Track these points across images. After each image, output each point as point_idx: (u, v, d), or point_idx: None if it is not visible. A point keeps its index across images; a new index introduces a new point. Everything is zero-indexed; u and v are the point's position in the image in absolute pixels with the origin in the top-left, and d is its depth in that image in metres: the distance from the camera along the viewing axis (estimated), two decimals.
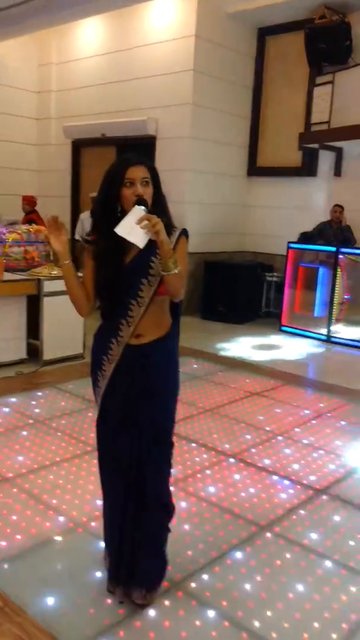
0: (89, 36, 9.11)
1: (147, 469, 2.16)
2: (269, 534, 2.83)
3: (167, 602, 2.29)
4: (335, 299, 7.17)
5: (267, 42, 8.58)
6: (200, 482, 3.33)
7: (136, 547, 2.19)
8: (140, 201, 1.95)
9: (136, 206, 1.92)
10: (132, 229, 1.88)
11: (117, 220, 1.93)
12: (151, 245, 1.93)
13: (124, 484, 2.17)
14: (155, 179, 2.06)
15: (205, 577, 2.47)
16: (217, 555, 2.62)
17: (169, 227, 2.06)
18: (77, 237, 7.60)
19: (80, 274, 2.16)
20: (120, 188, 2.00)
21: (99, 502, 2.30)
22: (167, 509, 2.29)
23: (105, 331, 2.16)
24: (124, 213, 1.97)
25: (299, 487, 3.35)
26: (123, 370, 2.13)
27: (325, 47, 7.58)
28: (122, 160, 2.04)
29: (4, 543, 2.66)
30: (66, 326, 5.62)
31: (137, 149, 7.71)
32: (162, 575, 2.29)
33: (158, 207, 2.05)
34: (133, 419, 2.14)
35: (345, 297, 7.31)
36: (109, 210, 2.03)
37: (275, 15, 8.02)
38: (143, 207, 1.92)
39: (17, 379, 5.09)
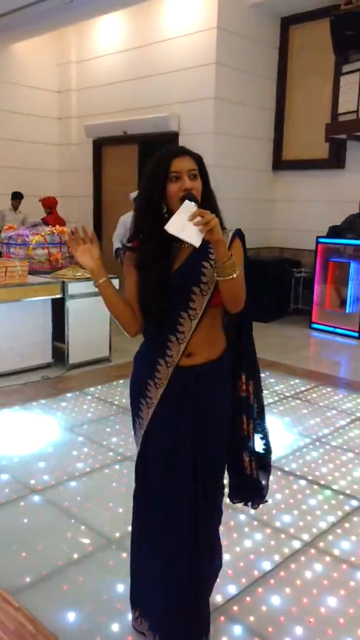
0: (108, 33, 8.99)
1: (200, 519, 1.87)
2: (313, 550, 2.66)
3: None
4: None
5: (290, 31, 8.34)
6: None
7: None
8: (188, 197, 1.68)
9: (187, 201, 1.65)
10: (185, 226, 1.60)
11: (163, 220, 1.68)
12: (201, 248, 1.67)
13: (178, 534, 1.87)
14: (203, 172, 1.79)
15: (248, 600, 2.32)
16: (260, 575, 2.47)
17: (221, 227, 1.79)
18: (116, 244, 6.58)
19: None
20: (165, 183, 1.73)
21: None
22: (215, 569, 2.06)
23: (150, 351, 1.86)
24: (169, 212, 1.72)
25: (341, 497, 3.17)
26: (172, 397, 1.83)
27: (352, 34, 7.30)
28: (166, 151, 1.77)
29: (34, 561, 2.54)
30: (92, 329, 5.51)
31: (160, 145, 7.58)
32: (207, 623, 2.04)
33: (207, 204, 1.76)
34: (185, 457, 1.83)
35: None
36: (153, 209, 1.74)
37: (298, 4, 7.79)
38: (193, 203, 1.65)
39: (43, 384, 4.99)
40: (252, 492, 2.02)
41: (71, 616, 2.21)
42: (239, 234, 1.84)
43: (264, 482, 2.01)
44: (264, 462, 2.01)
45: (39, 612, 2.22)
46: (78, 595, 2.33)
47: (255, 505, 2.06)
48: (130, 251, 1.86)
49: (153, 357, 1.85)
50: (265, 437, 2.00)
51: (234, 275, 1.67)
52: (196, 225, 1.59)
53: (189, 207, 1.63)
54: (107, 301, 1.86)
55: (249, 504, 2.06)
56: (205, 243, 1.64)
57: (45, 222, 7.53)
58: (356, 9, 7.20)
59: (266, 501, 2.07)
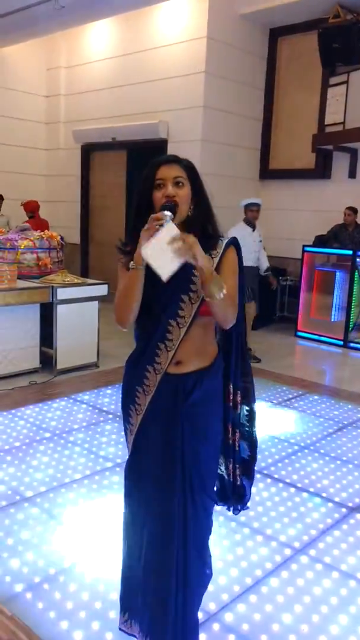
0: (98, 39, 9.01)
1: (190, 527, 1.86)
2: (304, 558, 2.68)
3: (203, 636, 2.14)
4: (353, 303, 7.02)
5: (279, 43, 8.45)
6: None
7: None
8: (166, 205, 1.66)
9: (170, 223, 1.58)
10: (163, 252, 1.55)
11: None
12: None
13: (166, 542, 1.86)
14: (194, 179, 1.79)
15: (241, 607, 2.32)
16: (252, 583, 2.48)
17: (213, 237, 1.82)
18: None
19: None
20: (152, 190, 1.75)
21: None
22: (205, 578, 2.03)
23: (140, 357, 1.86)
24: None
25: (331, 504, 3.20)
26: (160, 405, 1.83)
27: (339, 47, 7.43)
28: (156, 159, 1.79)
29: (25, 570, 2.53)
30: (80, 334, 5.50)
31: (148, 152, 7.60)
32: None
33: (199, 212, 1.79)
34: (174, 465, 1.83)
35: None
36: (143, 217, 1.74)
37: (287, 16, 7.89)
38: (169, 213, 1.61)
39: (31, 389, 4.96)
40: (235, 497, 2.05)
41: (64, 624, 2.20)
42: (233, 242, 1.84)
43: (247, 488, 2.04)
44: (248, 469, 2.04)
45: (32, 621, 2.21)
46: (71, 603, 2.32)
47: (236, 511, 2.09)
48: (125, 255, 1.83)
49: (142, 364, 1.85)
50: (251, 445, 2.03)
51: (221, 296, 1.65)
52: (175, 251, 1.56)
53: (170, 229, 1.57)
54: (130, 287, 1.76)
55: (231, 508, 2.09)
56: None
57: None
58: (343, 22, 7.34)
59: (247, 507, 2.10)
